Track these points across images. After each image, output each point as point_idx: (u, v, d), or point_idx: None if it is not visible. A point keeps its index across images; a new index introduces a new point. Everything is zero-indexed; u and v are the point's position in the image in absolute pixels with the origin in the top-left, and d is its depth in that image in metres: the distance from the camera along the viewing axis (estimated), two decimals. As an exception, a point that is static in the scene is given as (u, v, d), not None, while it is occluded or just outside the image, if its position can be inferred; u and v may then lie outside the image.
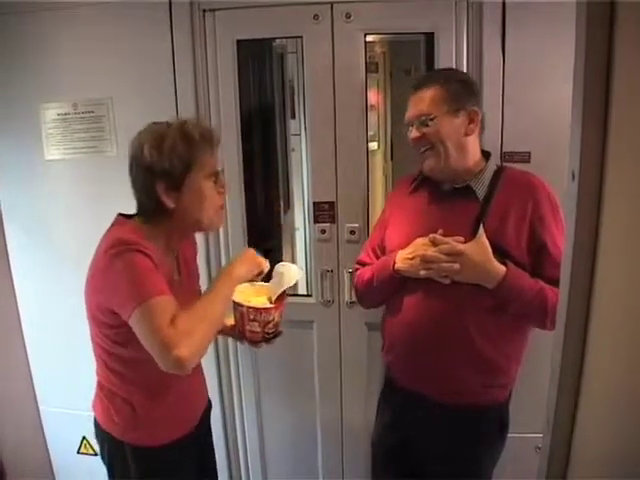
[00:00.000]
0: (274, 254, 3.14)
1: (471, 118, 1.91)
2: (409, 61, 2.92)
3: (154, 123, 1.72)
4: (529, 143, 2.29)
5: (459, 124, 1.90)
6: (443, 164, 1.92)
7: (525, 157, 2.27)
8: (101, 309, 1.65)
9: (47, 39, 2.51)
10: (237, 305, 1.79)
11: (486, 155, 2.02)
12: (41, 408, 2.71)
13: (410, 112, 1.96)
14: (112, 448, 1.88)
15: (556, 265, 1.76)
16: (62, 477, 2.81)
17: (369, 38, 2.44)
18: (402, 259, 1.93)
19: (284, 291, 1.88)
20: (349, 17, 2.34)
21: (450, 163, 1.92)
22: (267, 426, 2.93)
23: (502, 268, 1.81)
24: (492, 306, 1.86)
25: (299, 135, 2.79)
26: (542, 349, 1.92)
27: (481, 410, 1.97)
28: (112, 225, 1.75)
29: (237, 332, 1.86)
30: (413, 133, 1.94)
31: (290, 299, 2.77)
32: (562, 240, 1.80)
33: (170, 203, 1.67)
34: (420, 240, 1.90)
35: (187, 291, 1.84)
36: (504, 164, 2.08)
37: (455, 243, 1.82)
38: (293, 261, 3.11)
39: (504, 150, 2.27)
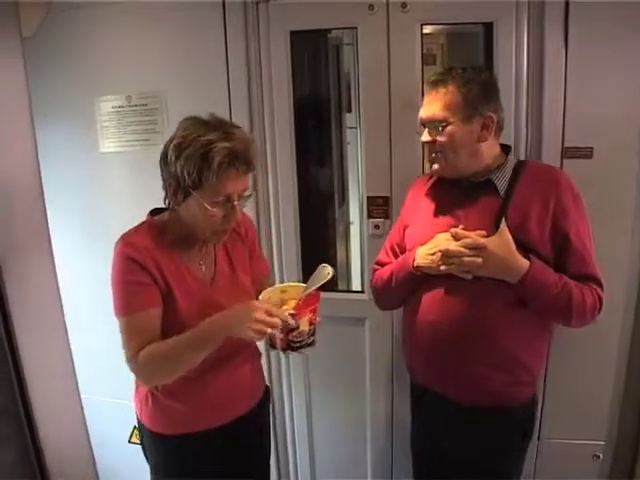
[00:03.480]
0: (328, 249, 3.11)
1: (485, 124, 1.83)
2: (468, 53, 2.84)
3: (201, 122, 1.63)
4: (592, 139, 2.17)
5: (472, 131, 1.83)
6: (451, 170, 1.89)
7: (587, 153, 2.16)
8: None
9: (102, 32, 2.54)
10: None
11: (506, 150, 1.96)
12: (93, 398, 2.76)
13: (423, 112, 1.89)
14: (144, 435, 1.92)
15: (580, 260, 1.79)
16: (113, 465, 2.87)
17: (427, 30, 2.38)
18: (422, 255, 1.88)
19: (317, 297, 1.72)
20: (405, 7, 2.27)
21: (459, 169, 1.88)
22: (317, 423, 2.92)
23: (525, 262, 1.75)
24: (514, 302, 1.81)
25: (355, 128, 2.75)
26: (599, 357, 1.86)
27: (504, 410, 1.91)
28: None
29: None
30: (424, 136, 1.88)
31: (343, 295, 2.78)
32: (585, 232, 1.82)
33: (175, 202, 1.66)
34: (441, 235, 1.85)
35: (228, 282, 1.83)
36: (527, 159, 2.03)
37: (477, 237, 1.76)
38: (347, 257, 3.07)
39: (566, 145, 2.18)
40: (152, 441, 1.87)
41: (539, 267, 1.76)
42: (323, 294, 1.74)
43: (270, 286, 1.93)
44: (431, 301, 1.92)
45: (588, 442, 2.07)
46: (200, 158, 1.54)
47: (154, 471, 1.94)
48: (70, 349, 1.24)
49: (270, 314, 1.54)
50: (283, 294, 1.77)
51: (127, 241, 1.67)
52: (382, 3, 2.30)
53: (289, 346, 1.68)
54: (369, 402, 2.78)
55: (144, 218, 1.80)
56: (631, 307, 2.30)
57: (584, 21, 2.09)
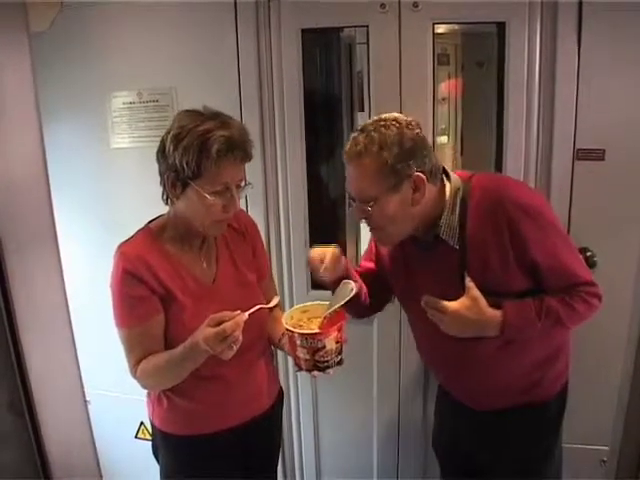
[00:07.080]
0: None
1: (416, 185, 1.63)
2: (482, 53, 2.83)
3: (197, 113, 1.63)
4: (604, 140, 2.15)
5: (403, 198, 1.64)
6: (394, 240, 1.79)
7: (599, 155, 2.14)
8: None
9: (114, 28, 2.56)
10: (286, 330, 1.63)
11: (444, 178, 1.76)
12: (100, 393, 2.77)
13: (349, 187, 1.72)
14: (155, 437, 1.93)
15: (559, 276, 1.68)
16: (118, 461, 2.88)
17: (441, 29, 2.37)
18: None
19: (342, 315, 1.64)
20: (417, 6, 2.26)
21: (402, 235, 1.76)
22: (323, 423, 2.91)
23: (497, 314, 1.65)
24: (504, 343, 1.75)
25: (368, 127, 2.74)
26: (605, 363, 1.84)
27: (524, 409, 1.86)
28: None
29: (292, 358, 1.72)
30: (356, 212, 1.72)
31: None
32: (554, 245, 1.66)
33: (173, 195, 1.65)
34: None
35: (232, 280, 1.82)
36: (472, 177, 1.78)
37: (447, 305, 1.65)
38: (357, 257, 3.06)
39: (577, 147, 2.16)
40: (164, 442, 1.87)
41: (512, 312, 1.66)
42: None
43: (267, 287, 1.95)
44: (423, 334, 1.97)
45: (596, 447, 2.04)
46: (198, 147, 1.55)
47: (165, 473, 1.92)
48: (74, 346, 1.23)
49: (225, 332, 1.49)
50: (304, 314, 1.73)
51: (122, 251, 1.68)
52: (394, 2, 2.28)
53: (316, 367, 1.62)
54: (376, 403, 2.78)
55: (155, 214, 1.80)
56: (637, 312, 2.27)
57: (598, 21, 2.07)
